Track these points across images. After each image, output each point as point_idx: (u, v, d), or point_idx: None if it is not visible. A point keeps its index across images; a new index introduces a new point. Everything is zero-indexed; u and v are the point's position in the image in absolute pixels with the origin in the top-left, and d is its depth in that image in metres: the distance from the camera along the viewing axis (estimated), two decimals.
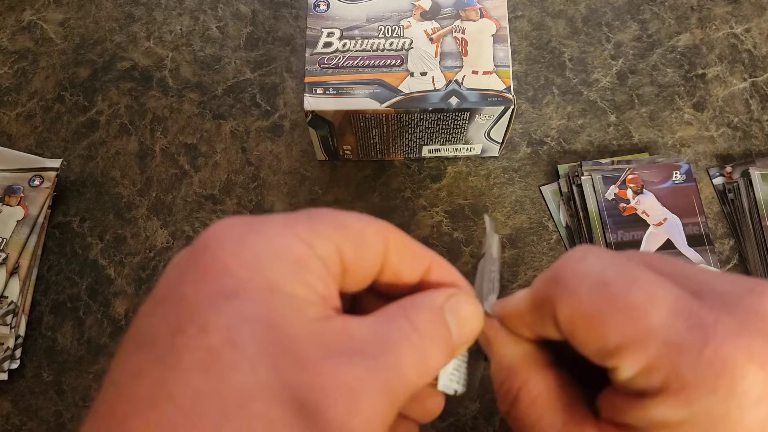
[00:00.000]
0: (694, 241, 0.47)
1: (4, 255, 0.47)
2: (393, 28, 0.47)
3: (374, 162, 0.52)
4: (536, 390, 0.21)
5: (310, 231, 0.19)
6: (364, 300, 0.23)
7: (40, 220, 0.49)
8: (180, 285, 0.18)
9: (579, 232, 0.49)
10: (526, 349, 0.22)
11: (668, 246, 0.47)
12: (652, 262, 0.20)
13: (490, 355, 0.23)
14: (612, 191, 0.49)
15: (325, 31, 0.47)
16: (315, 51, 0.46)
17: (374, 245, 0.20)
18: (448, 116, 0.46)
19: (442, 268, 0.22)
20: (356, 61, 0.46)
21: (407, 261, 0.21)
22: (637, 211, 0.48)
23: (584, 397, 0.21)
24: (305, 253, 0.18)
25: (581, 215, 0.49)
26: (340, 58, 0.46)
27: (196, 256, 0.18)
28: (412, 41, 0.46)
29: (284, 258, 0.18)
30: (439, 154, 0.51)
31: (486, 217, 0.26)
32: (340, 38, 0.47)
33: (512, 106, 0.45)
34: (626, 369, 0.18)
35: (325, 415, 0.16)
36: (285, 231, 0.18)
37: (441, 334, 0.20)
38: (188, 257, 0.18)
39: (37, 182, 0.50)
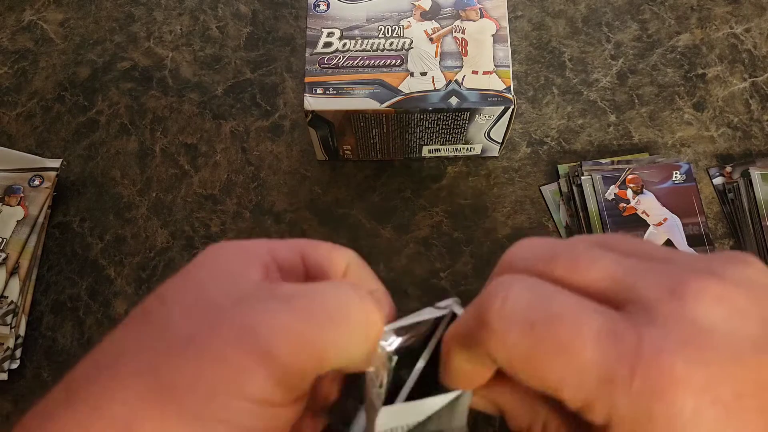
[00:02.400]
0: (694, 241, 0.47)
1: (4, 255, 0.47)
2: (393, 28, 0.47)
3: (374, 162, 0.52)
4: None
5: (281, 245, 0.25)
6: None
7: (40, 220, 0.49)
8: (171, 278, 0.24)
9: (579, 232, 0.49)
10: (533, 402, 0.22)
11: (668, 246, 0.47)
12: (579, 262, 0.20)
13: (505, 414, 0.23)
14: (612, 191, 0.49)
15: (325, 31, 0.47)
16: (315, 51, 0.46)
17: (292, 250, 0.25)
18: (448, 116, 0.46)
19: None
20: (356, 61, 0.46)
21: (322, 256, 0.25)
22: (637, 211, 0.48)
23: None
24: (262, 254, 0.24)
25: (581, 215, 0.49)
26: (340, 58, 0.46)
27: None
28: (412, 41, 0.46)
29: (240, 253, 0.23)
30: (439, 154, 0.51)
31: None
32: (340, 38, 0.47)
33: (512, 106, 0.45)
34: (571, 404, 0.18)
35: (192, 351, 0.20)
36: (259, 243, 0.24)
37: (354, 293, 0.22)
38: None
39: (37, 182, 0.50)
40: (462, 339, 0.20)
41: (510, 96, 0.45)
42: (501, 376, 0.21)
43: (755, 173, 0.48)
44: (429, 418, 0.22)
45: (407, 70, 0.46)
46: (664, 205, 0.48)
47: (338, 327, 0.20)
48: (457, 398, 0.23)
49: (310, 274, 0.25)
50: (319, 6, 0.47)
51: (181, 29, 0.58)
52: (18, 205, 0.49)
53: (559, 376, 0.18)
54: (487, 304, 0.19)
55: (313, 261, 0.25)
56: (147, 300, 0.22)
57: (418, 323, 0.23)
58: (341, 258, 0.25)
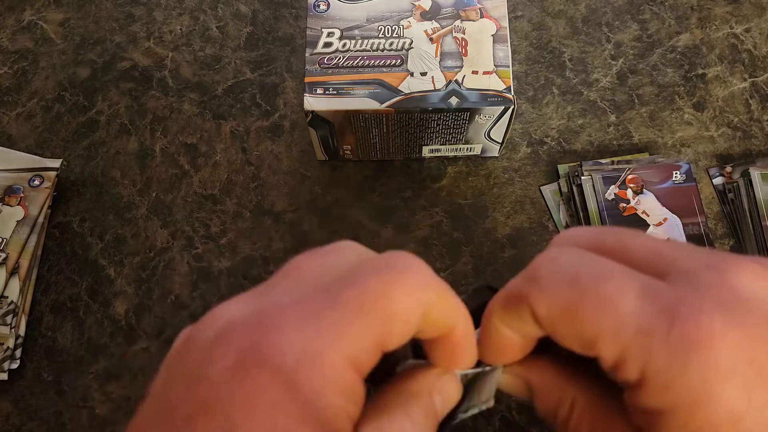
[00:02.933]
0: (694, 241, 0.47)
1: (4, 255, 0.47)
2: (393, 28, 0.47)
3: (374, 162, 0.52)
4: (580, 406, 0.22)
5: (350, 335, 0.17)
6: None
7: (40, 220, 0.49)
8: (203, 365, 0.18)
9: None
10: (563, 375, 0.23)
11: None
12: (624, 239, 0.21)
13: (533, 394, 0.23)
14: (612, 191, 0.49)
15: (325, 31, 0.47)
16: (315, 51, 0.46)
17: (368, 337, 0.18)
18: (448, 116, 0.46)
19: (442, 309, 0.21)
20: (356, 61, 0.46)
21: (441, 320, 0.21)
22: (637, 211, 0.48)
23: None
24: (349, 378, 0.17)
25: (581, 215, 0.49)
26: (340, 58, 0.46)
27: (220, 367, 0.18)
28: (412, 41, 0.46)
29: (328, 388, 0.17)
30: (439, 154, 0.51)
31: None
32: (340, 38, 0.47)
33: (512, 106, 0.45)
34: (606, 359, 0.19)
35: None
36: (330, 338, 0.17)
37: (430, 415, 0.21)
38: (215, 341, 0.18)
39: (37, 182, 0.50)
40: (507, 301, 0.21)
41: (510, 96, 0.45)
42: (534, 354, 0.22)
43: (755, 173, 0.48)
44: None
45: (407, 70, 0.46)
46: (664, 205, 0.48)
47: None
48: (490, 372, 0.23)
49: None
50: (319, 6, 0.47)
51: (181, 29, 0.58)
52: (18, 205, 0.49)
53: (599, 327, 0.18)
54: (537, 264, 0.20)
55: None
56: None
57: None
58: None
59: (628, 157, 0.51)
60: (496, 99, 0.45)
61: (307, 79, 0.45)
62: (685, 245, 0.21)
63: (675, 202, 0.48)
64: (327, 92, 0.45)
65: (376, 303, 0.18)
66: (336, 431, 0.17)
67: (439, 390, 0.22)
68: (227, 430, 0.16)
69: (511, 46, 0.47)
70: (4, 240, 0.48)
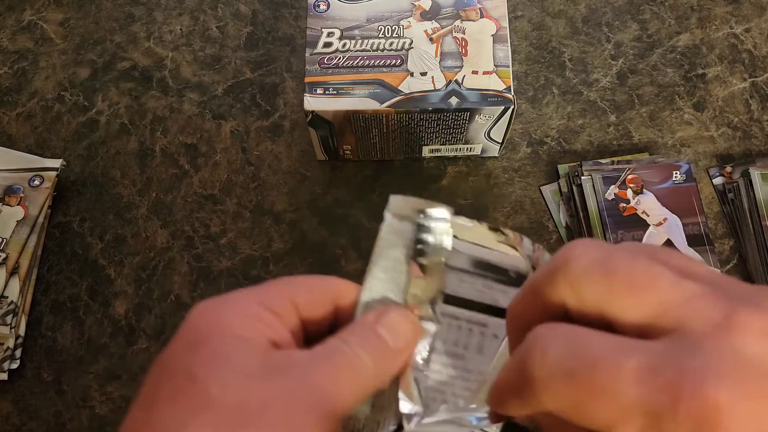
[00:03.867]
0: (694, 241, 0.47)
1: (4, 255, 0.47)
2: (393, 28, 0.47)
3: (374, 162, 0.52)
4: None
5: (265, 292, 0.24)
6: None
7: (40, 220, 0.49)
8: (162, 352, 0.23)
9: (579, 232, 0.49)
10: None
11: (668, 246, 0.47)
12: (635, 287, 0.20)
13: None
14: (612, 191, 0.49)
15: (325, 31, 0.47)
16: (315, 51, 0.46)
17: (323, 292, 0.25)
18: (448, 116, 0.46)
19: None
20: (356, 61, 0.46)
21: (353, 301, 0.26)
22: (637, 211, 0.48)
23: None
24: (258, 310, 0.24)
25: (581, 215, 0.49)
26: (340, 58, 0.46)
27: (178, 329, 0.24)
28: (412, 41, 0.46)
29: (241, 315, 0.23)
30: (439, 154, 0.51)
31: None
32: (340, 38, 0.47)
33: (512, 106, 0.45)
34: None
35: (256, 423, 0.20)
36: (244, 297, 0.24)
37: (372, 342, 0.24)
38: (174, 333, 0.24)
39: (37, 182, 0.50)
40: (514, 391, 0.21)
41: (510, 96, 0.45)
42: None
43: (755, 173, 0.48)
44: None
45: (407, 70, 0.46)
46: (664, 205, 0.48)
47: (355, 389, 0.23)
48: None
49: (340, 314, 0.26)
50: (319, 6, 0.47)
51: (181, 29, 0.58)
52: (18, 205, 0.49)
53: (607, 417, 0.18)
54: (528, 358, 0.20)
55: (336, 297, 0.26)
56: (167, 379, 0.22)
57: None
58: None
59: (628, 157, 0.51)
60: (496, 99, 0.45)
61: (307, 79, 0.45)
62: (700, 277, 0.20)
63: (675, 202, 0.48)
64: (327, 92, 0.45)
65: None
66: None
67: (380, 321, 0.24)
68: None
69: (511, 46, 0.47)
70: (4, 240, 0.48)
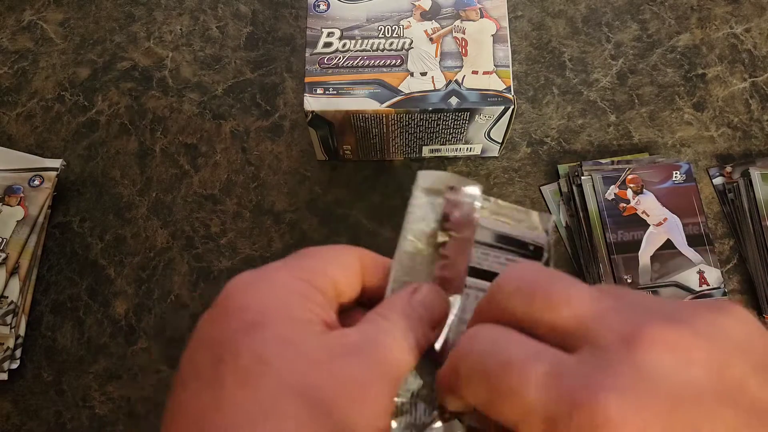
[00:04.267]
0: (694, 241, 0.47)
1: (4, 255, 0.47)
2: (393, 28, 0.47)
3: (374, 162, 0.52)
4: None
5: (306, 269, 0.24)
6: (352, 312, 0.27)
7: (40, 220, 0.49)
8: (213, 328, 0.22)
9: (579, 232, 0.49)
10: None
11: (668, 246, 0.47)
12: (552, 300, 0.21)
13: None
14: (612, 191, 0.49)
15: (325, 31, 0.47)
16: (315, 51, 0.46)
17: (354, 268, 0.26)
18: (448, 116, 0.46)
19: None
20: (356, 61, 0.46)
21: (379, 274, 0.26)
22: (637, 211, 0.48)
23: None
24: (306, 288, 0.23)
25: (581, 215, 0.49)
26: (340, 58, 0.46)
27: (220, 304, 0.23)
28: (412, 41, 0.46)
29: (292, 293, 0.23)
30: (439, 154, 0.51)
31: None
32: (340, 38, 0.47)
33: (512, 106, 0.45)
34: None
35: (337, 405, 0.20)
36: (287, 274, 0.24)
37: (413, 317, 0.24)
38: (215, 307, 0.23)
39: (37, 182, 0.50)
40: (448, 385, 0.23)
41: (510, 96, 0.45)
42: None
43: (755, 173, 0.48)
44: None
45: (407, 70, 0.46)
46: (664, 205, 0.48)
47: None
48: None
49: (366, 289, 0.27)
50: (319, 6, 0.47)
51: (181, 29, 0.58)
52: (18, 205, 0.49)
53: (513, 416, 0.19)
54: (456, 354, 0.22)
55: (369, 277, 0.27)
56: (232, 361, 0.21)
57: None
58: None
59: (628, 157, 0.51)
60: (496, 99, 0.45)
61: (307, 79, 0.45)
62: (622, 297, 0.21)
63: (675, 202, 0.48)
64: (327, 92, 0.45)
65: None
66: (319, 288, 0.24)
67: (415, 297, 0.25)
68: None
69: (511, 46, 0.47)
70: (4, 240, 0.48)
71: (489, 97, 0.45)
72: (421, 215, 0.28)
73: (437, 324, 0.25)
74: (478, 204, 0.28)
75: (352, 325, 0.24)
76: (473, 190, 0.28)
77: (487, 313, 0.23)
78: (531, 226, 0.28)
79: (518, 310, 0.21)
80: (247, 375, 0.20)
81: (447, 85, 0.45)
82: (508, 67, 0.46)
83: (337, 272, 0.25)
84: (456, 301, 0.27)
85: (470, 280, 0.27)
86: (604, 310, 0.20)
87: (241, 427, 0.20)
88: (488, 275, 0.27)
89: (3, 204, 0.49)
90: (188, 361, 0.22)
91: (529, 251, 0.28)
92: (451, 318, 0.26)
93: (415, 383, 0.25)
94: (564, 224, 0.50)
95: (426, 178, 0.28)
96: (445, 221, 0.27)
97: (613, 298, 0.21)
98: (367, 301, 0.27)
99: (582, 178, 0.49)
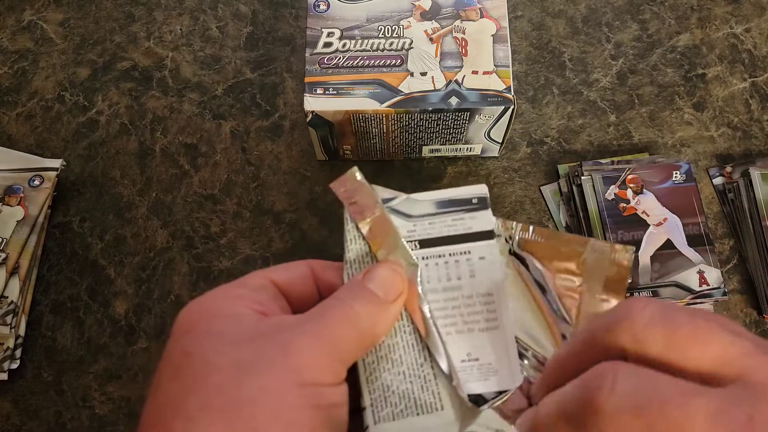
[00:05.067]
0: (694, 241, 0.47)
1: (4, 255, 0.47)
2: (393, 28, 0.47)
3: (374, 162, 0.52)
4: None
5: (244, 278, 0.26)
6: None
7: (40, 220, 0.49)
8: (166, 348, 0.25)
9: (579, 232, 0.49)
10: None
11: (668, 246, 0.47)
12: (697, 336, 0.21)
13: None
14: (612, 191, 0.49)
15: (325, 31, 0.47)
16: (315, 51, 0.46)
17: (298, 267, 0.28)
18: (448, 116, 0.46)
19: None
20: (356, 61, 0.46)
21: (333, 273, 0.28)
22: (637, 211, 0.48)
23: None
24: (238, 290, 0.26)
25: (581, 215, 0.49)
26: (340, 58, 0.46)
27: (173, 328, 0.26)
28: (412, 41, 0.46)
29: (223, 297, 0.25)
30: (439, 154, 0.51)
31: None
32: (340, 38, 0.46)
33: (512, 106, 0.45)
34: None
35: (251, 376, 0.22)
36: (224, 287, 0.26)
37: (363, 295, 0.25)
38: (173, 327, 0.26)
39: (37, 182, 0.50)
40: (570, 422, 0.22)
41: (510, 96, 0.45)
42: None
43: (755, 173, 0.48)
44: None
45: (407, 70, 0.46)
46: (664, 205, 0.48)
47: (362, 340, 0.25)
48: None
49: (322, 290, 0.28)
50: (319, 6, 0.47)
51: (181, 29, 0.58)
52: (18, 205, 0.49)
53: None
54: (595, 392, 0.21)
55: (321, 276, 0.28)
56: (167, 364, 0.24)
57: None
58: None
59: (628, 157, 0.51)
60: (496, 99, 0.45)
61: (307, 79, 0.45)
62: (755, 340, 0.21)
63: (675, 202, 0.48)
64: (327, 92, 0.45)
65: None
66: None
67: (369, 276, 0.26)
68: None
69: (511, 46, 0.47)
70: (4, 240, 0.48)
71: (489, 97, 0.45)
72: (347, 220, 0.29)
73: (394, 302, 0.26)
74: (371, 190, 0.29)
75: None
76: (356, 174, 0.30)
77: (602, 344, 0.22)
78: (461, 187, 0.30)
79: (653, 344, 0.21)
80: (176, 368, 0.23)
81: (447, 85, 0.45)
82: (508, 67, 0.46)
83: (276, 274, 0.27)
84: (413, 272, 0.28)
85: (425, 251, 0.28)
86: (746, 350, 0.21)
87: (168, 408, 0.22)
88: (441, 240, 0.28)
89: (3, 204, 0.49)
90: (153, 380, 0.25)
91: (474, 204, 0.29)
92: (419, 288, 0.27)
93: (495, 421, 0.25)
94: (564, 224, 0.50)
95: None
96: (356, 215, 0.29)
97: (744, 338, 0.21)
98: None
99: (582, 178, 0.49)
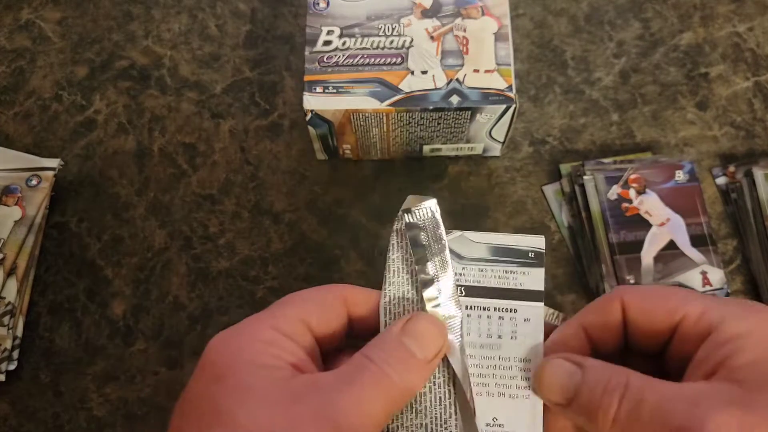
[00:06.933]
0: (697, 241, 0.47)
1: (1, 255, 0.47)
2: (393, 26, 0.46)
3: (374, 161, 0.52)
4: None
5: (276, 316, 0.25)
6: (344, 352, 0.28)
7: (38, 220, 0.49)
8: (191, 386, 0.24)
9: (581, 233, 0.49)
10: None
11: (671, 246, 0.47)
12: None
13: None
14: (614, 191, 0.48)
15: (325, 29, 0.46)
16: (314, 49, 0.46)
17: (334, 305, 0.26)
18: (449, 115, 0.45)
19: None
20: (356, 60, 0.45)
21: (369, 306, 0.27)
22: (639, 211, 0.48)
23: None
24: (273, 336, 0.24)
25: (583, 215, 0.48)
26: (339, 56, 0.46)
27: (199, 364, 0.25)
28: (412, 39, 0.46)
29: (257, 342, 0.24)
30: (440, 154, 0.51)
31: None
32: (340, 36, 0.46)
33: (514, 105, 0.44)
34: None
35: None
36: (257, 324, 0.25)
37: (399, 356, 0.24)
38: (197, 367, 0.25)
39: (34, 182, 0.49)
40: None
41: (512, 95, 0.44)
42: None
43: (758, 173, 0.48)
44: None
45: (408, 69, 0.45)
46: (667, 204, 0.48)
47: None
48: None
49: (354, 322, 0.27)
50: (318, 4, 0.47)
51: (179, 27, 0.57)
52: (15, 205, 0.49)
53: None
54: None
55: (354, 309, 0.27)
56: (194, 413, 0.23)
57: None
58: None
59: (631, 156, 0.51)
60: (497, 98, 0.44)
61: (306, 78, 0.45)
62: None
63: (678, 201, 0.48)
64: (327, 91, 0.45)
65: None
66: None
67: (406, 331, 0.25)
68: None
69: (512, 44, 0.46)
70: (2, 240, 0.47)
71: (490, 96, 0.44)
72: (399, 244, 0.27)
73: (432, 360, 0.25)
74: (437, 219, 0.28)
75: (338, 366, 0.24)
76: (430, 204, 0.28)
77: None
78: (522, 235, 0.28)
79: None
80: (204, 423, 0.22)
81: (448, 83, 0.45)
82: (510, 65, 0.45)
83: (312, 314, 0.26)
84: (455, 324, 0.26)
85: (470, 300, 0.27)
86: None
87: None
88: (488, 291, 0.27)
89: (0, 204, 0.49)
90: (174, 416, 0.24)
91: (530, 258, 0.28)
92: (455, 342, 0.26)
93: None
94: (566, 224, 0.50)
95: (407, 203, 0.28)
96: (416, 245, 0.27)
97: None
98: (364, 334, 0.27)
99: (584, 177, 0.49)
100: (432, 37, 0.46)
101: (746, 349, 0.22)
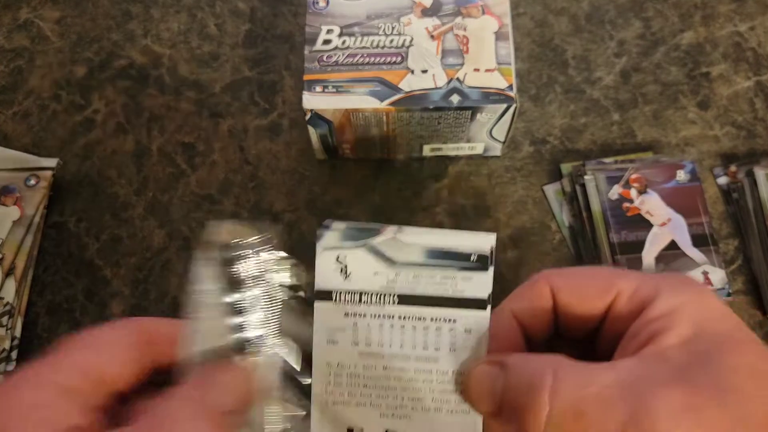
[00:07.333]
0: (698, 241, 0.47)
1: (0, 256, 0.47)
2: (393, 25, 0.46)
3: (374, 161, 0.52)
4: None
5: (58, 369, 0.23)
6: (141, 399, 0.25)
7: (36, 220, 0.48)
8: None
9: (582, 233, 0.48)
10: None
11: (672, 246, 0.47)
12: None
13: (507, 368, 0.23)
14: (615, 191, 0.48)
15: (325, 28, 0.46)
16: (314, 48, 0.46)
17: (130, 345, 0.24)
18: (449, 114, 0.45)
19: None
20: (356, 59, 0.45)
21: (172, 342, 0.24)
22: (640, 211, 0.47)
23: None
24: (48, 397, 0.22)
25: (584, 215, 0.48)
26: (339, 55, 0.45)
27: None
28: (412, 38, 0.46)
29: (23, 406, 0.21)
30: (440, 153, 0.51)
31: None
32: (340, 35, 0.46)
33: (514, 105, 0.44)
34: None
35: None
36: (34, 379, 0.22)
37: (198, 414, 0.22)
38: None
39: (33, 182, 0.49)
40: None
41: (512, 94, 0.44)
42: None
43: (760, 173, 0.48)
44: None
45: (408, 68, 0.45)
46: (668, 204, 0.48)
47: None
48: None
49: (157, 357, 0.24)
50: (318, 3, 0.47)
51: (178, 27, 0.57)
52: (14, 205, 0.49)
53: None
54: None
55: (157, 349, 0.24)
56: None
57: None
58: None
59: (632, 156, 0.51)
60: (498, 97, 0.44)
61: (306, 77, 0.45)
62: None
63: (679, 201, 0.48)
64: (326, 90, 0.44)
65: None
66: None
67: (209, 390, 0.23)
68: None
69: (513, 43, 0.46)
70: (0, 240, 0.47)
71: (491, 95, 0.44)
72: (202, 280, 0.24)
73: (239, 409, 0.23)
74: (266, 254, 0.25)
75: (134, 417, 0.22)
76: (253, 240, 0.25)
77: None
78: (465, 232, 0.25)
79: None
80: None
81: (448, 82, 0.45)
82: (511, 64, 0.45)
83: (103, 360, 0.23)
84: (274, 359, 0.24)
85: (404, 309, 0.24)
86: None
87: None
88: (424, 300, 0.24)
89: None
90: None
91: (471, 263, 0.24)
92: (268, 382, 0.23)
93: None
94: (567, 224, 0.49)
95: (206, 235, 0.25)
96: (231, 280, 0.24)
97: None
98: (169, 371, 0.24)
99: (585, 177, 0.48)
100: (432, 36, 0.46)
101: (676, 325, 0.22)
